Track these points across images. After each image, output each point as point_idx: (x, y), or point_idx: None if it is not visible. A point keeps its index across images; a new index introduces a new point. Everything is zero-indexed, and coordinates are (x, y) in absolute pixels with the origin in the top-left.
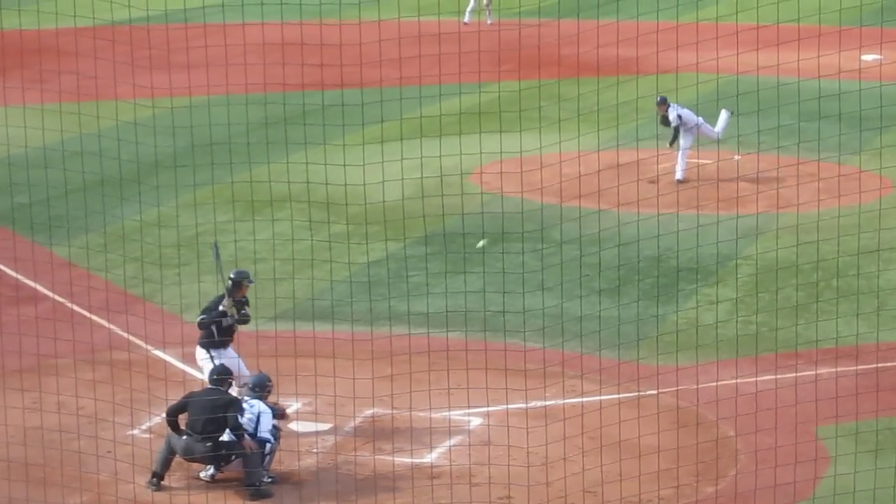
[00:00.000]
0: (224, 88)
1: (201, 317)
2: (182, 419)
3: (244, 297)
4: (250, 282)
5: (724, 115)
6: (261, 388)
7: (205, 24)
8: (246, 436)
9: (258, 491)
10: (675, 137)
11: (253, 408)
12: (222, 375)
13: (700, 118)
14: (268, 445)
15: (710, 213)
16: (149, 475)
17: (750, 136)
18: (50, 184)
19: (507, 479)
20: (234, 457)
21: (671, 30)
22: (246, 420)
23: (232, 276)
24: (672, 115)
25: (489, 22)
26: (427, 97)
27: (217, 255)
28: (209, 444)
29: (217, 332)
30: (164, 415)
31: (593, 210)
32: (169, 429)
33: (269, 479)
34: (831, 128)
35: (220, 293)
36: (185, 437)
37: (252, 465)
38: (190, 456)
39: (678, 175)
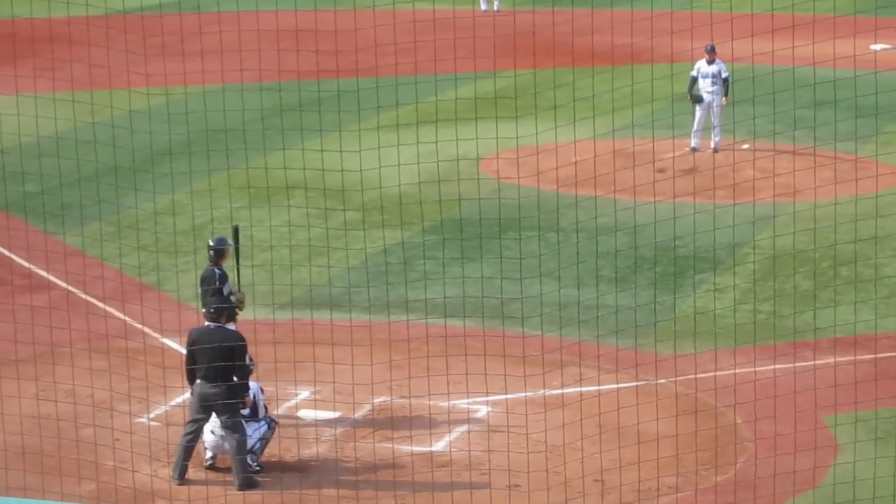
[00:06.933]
0: (222, 76)
1: (226, 294)
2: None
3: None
4: (229, 245)
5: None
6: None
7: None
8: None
9: (246, 479)
10: (727, 90)
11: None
12: (220, 306)
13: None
14: (261, 431)
15: (727, 202)
16: (172, 467)
17: (754, 123)
18: (56, 172)
19: (521, 467)
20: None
21: (685, 18)
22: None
23: (212, 243)
24: (721, 66)
25: (483, 8)
26: (430, 84)
27: (237, 239)
28: (224, 385)
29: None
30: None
31: (605, 198)
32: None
33: (258, 468)
34: (834, 115)
35: (209, 268)
36: (198, 383)
37: (240, 452)
38: (206, 402)
39: (715, 143)
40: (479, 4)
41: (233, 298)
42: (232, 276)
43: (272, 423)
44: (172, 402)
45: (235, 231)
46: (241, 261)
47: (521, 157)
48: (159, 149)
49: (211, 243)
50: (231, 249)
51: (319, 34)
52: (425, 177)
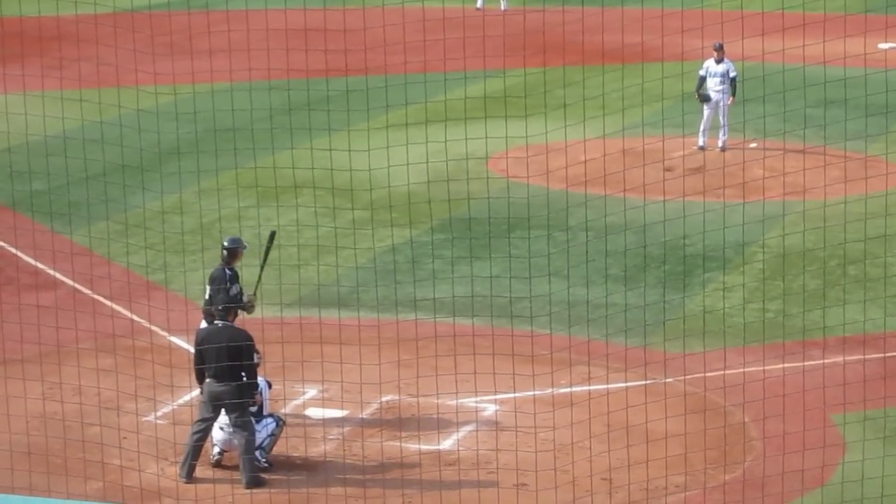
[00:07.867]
0: (231, 75)
1: (233, 294)
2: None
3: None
4: (244, 246)
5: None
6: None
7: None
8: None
9: (254, 478)
10: (734, 90)
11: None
12: (228, 305)
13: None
14: (269, 428)
15: (736, 200)
16: (180, 465)
17: (764, 122)
18: (63, 171)
19: (529, 466)
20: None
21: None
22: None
23: (226, 243)
24: (730, 66)
25: (478, 6)
26: (439, 83)
27: (270, 244)
28: (233, 384)
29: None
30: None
31: (618, 197)
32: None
33: (266, 465)
34: (843, 114)
35: (219, 268)
36: (208, 382)
37: (248, 451)
38: (216, 401)
39: (722, 141)
40: (476, 2)
41: (243, 299)
42: (254, 279)
43: (280, 421)
44: (179, 401)
45: (272, 236)
46: (261, 262)
47: (531, 155)
48: (167, 147)
49: (225, 243)
50: (243, 251)
51: (328, 33)
52: (434, 175)
